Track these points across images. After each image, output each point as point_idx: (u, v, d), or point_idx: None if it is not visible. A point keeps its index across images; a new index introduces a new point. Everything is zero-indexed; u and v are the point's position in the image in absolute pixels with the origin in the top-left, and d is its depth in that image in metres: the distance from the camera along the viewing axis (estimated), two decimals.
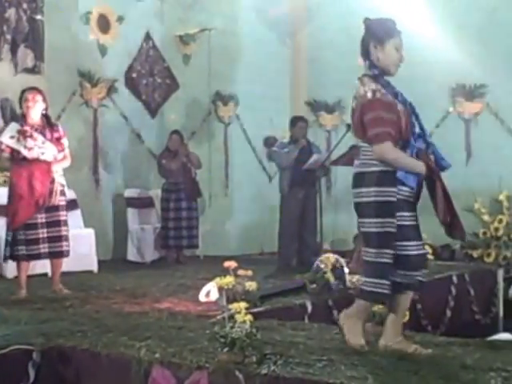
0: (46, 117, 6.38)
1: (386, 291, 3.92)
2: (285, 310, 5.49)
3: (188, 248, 9.65)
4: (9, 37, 8.88)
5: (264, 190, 11.23)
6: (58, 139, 6.33)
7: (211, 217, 10.72)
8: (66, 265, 6.64)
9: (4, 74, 8.74)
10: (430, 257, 7.38)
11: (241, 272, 5.69)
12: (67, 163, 6.45)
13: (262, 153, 11.54)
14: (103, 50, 9.92)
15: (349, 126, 8.62)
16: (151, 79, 10.48)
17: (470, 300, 7.74)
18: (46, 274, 7.83)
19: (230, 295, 5.07)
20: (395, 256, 3.90)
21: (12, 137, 6.15)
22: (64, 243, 6.29)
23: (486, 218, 10.05)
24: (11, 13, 8.90)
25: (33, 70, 9.09)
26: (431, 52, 10.31)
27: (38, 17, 9.16)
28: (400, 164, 3.94)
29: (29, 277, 6.63)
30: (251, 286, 5.41)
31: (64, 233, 6.29)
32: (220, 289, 5.22)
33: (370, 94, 4.08)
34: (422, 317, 6.72)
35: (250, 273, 5.83)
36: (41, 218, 6.17)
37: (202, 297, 5.64)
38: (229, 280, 4.58)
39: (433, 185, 4.00)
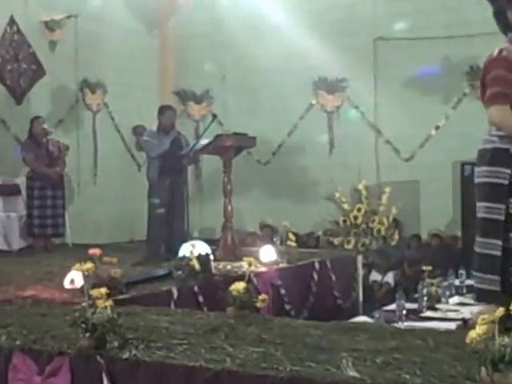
0: None
1: (495, 288, 3.50)
2: (151, 297, 5.52)
3: (53, 237, 9.52)
4: None
5: (133, 179, 11.23)
6: None
7: (80, 205, 10.62)
8: None
9: None
10: (293, 244, 7.68)
11: (106, 259, 5.75)
12: None
13: (130, 141, 11.53)
14: None
15: (214, 116, 8.83)
16: (16, 65, 10.23)
17: (332, 285, 7.97)
18: None
19: (95, 282, 5.11)
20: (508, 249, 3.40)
21: None
22: None
23: (346, 206, 10.43)
24: None
25: None
26: (296, 45, 10.60)
27: None
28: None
29: None
30: (116, 272, 5.48)
31: None
32: (85, 276, 5.25)
33: (495, 52, 3.78)
34: (285, 302, 6.91)
35: (115, 260, 5.91)
36: None
37: (66, 284, 5.62)
38: (89, 266, 4.60)
39: None
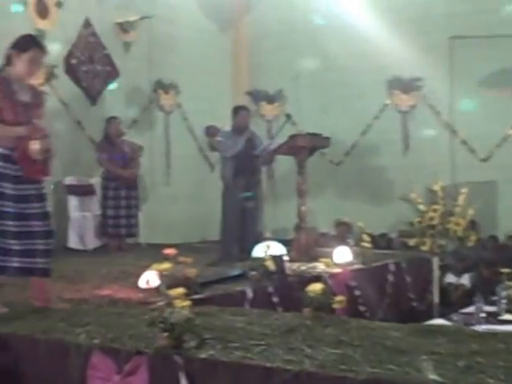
0: None
1: None
2: (225, 297, 5.52)
3: (127, 236, 9.61)
4: None
5: (205, 179, 11.27)
6: None
7: (153, 205, 10.70)
8: None
9: None
10: (368, 245, 7.59)
11: (181, 259, 5.75)
12: None
13: (203, 142, 11.58)
14: (41, 36, 9.76)
15: (288, 116, 8.78)
16: (91, 66, 10.37)
17: (407, 287, 7.86)
18: None
19: (171, 282, 5.12)
20: None
21: None
22: None
23: (421, 207, 10.26)
24: None
25: None
26: (370, 44, 10.47)
27: None
28: None
29: None
30: (191, 272, 5.48)
31: None
32: (160, 276, 5.26)
33: None
34: (359, 303, 6.83)
35: (190, 260, 5.89)
36: None
37: (142, 283, 5.64)
38: (166, 266, 4.61)
39: None
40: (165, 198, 11.06)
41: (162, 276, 5.24)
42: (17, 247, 4.66)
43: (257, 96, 11.75)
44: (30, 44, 4.78)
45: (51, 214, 4.92)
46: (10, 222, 4.65)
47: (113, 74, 10.63)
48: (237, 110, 8.46)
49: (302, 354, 3.53)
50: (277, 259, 6.28)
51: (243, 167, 8.05)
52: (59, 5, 9.93)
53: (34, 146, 4.64)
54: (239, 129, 8.27)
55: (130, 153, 9.56)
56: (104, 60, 10.55)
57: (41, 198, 4.81)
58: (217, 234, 8.56)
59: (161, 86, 11.22)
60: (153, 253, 7.76)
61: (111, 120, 9.54)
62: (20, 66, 4.73)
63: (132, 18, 10.73)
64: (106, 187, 9.41)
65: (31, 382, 4.02)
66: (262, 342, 3.78)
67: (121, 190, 9.37)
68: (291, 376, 3.27)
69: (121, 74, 10.70)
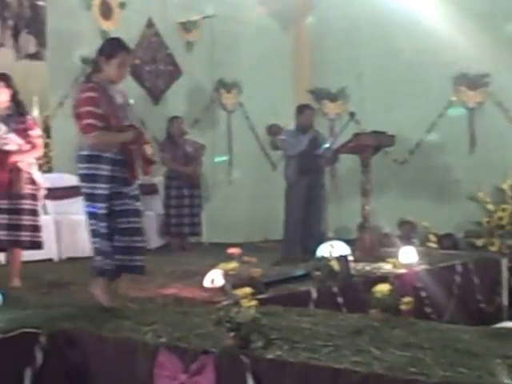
0: (16, 104, 6.09)
1: None
2: (290, 297, 5.49)
3: (190, 235, 9.66)
4: (11, 23, 8.86)
5: (267, 178, 11.24)
6: (25, 130, 6.02)
7: (215, 204, 10.71)
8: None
9: (6, 60, 8.72)
10: (434, 245, 7.46)
11: (246, 259, 5.74)
12: (36, 153, 6.15)
13: (265, 141, 11.55)
14: (105, 37, 9.83)
15: (352, 114, 8.70)
16: (154, 66, 10.46)
17: (474, 289, 7.71)
18: (50, 260, 7.94)
19: (236, 282, 5.11)
20: None
21: None
22: (24, 233, 5.98)
23: (489, 206, 10.06)
24: None
25: (35, 56, 9.07)
26: (434, 40, 10.30)
27: (40, 2, 9.13)
28: None
29: (33, 262, 6.65)
30: (256, 272, 5.46)
31: (26, 222, 5.97)
32: (225, 275, 5.26)
33: None
34: (426, 304, 6.72)
35: (254, 260, 5.88)
36: (1, 204, 5.90)
37: (207, 283, 5.64)
38: (233, 265, 4.61)
39: None
40: (227, 197, 11.06)
41: (226, 275, 5.24)
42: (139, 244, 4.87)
43: (319, 94, 11.65)
44: (117, 49, 4.83)
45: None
46: (135, 219, 4.83)
47: (175, 73, 10.70)
48: (301, 109, 8.42)
49: (370, 356, 3.49)
50: (341, 259, 6.23)
51: (306, 167, 7.99)
52: (122, 5, 10.03)
53: (148, 149, 4.77)
54: (303, 128, 8.22)
55: (192, 152, 9.60)
56: (167, 60, 10.63)
57: (139, 197, 4.95)
58: (279, 233, 8.53)
59: (223, 85, 11.23)
60: (215, 252, 7.80)
61: (174, 119, 9.59)
62: (109, 71, 4.78)
63: (194, 18, 10.78)
64: (169, 186, 9.47)
65: (98, 380, 4.05)
66: (329, 343, 3.75)
67: (183, 189, 9.42)
68: (359, 378, 3.22)
69: (183, 74, 10.76)
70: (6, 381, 3.89)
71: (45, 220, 8.13)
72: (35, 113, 8.93)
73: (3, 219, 5.91)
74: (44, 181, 6.32)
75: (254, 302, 3.70)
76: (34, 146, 6.10)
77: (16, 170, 5.96)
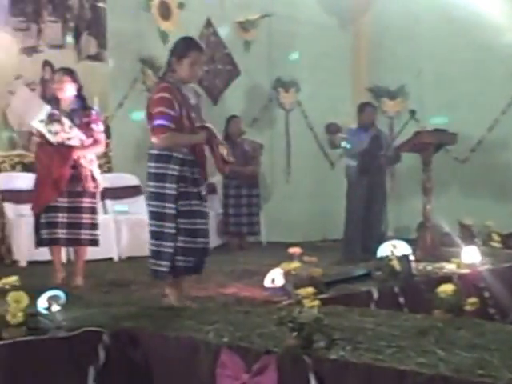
0: (80, 99, 6.15)
1: None
2: (350, 297, 5.44)
3: (248, 235, 9.67)
4: (72, 24, 8.99)
5: (326, 177, 11.18)
6: (88, 124, 6.06)
7: (274, 203, 10.70)
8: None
9: (67, 62, 8.81)
10: (498, 245, 7.31)
11: (306, 258, 5.71)
12: (98, 149, 6.20)
13: (323, 139, 11.49)
14: (164, 37, 9.91)
15: (413, 111, 8.59)
16: (212, 66, 10.48)
17: None
18: (111, 259, 8.02)
19: (296, 281, 5.09)
20: None
21: (41, 121, 5.99)
22: (84, 231, 6.02)
23: None
24: (74, 0, 9.01)
25: (96, 57, 9.19)
26: (496, 36, 10.11)
27: (101, 4, 9.25)
28: None
29: (93, 261, 6.72)
30: (316, 272, 5.42)
31: (85, 220, 6.00)
32: (286, 275, 5.23)
33: None
34: (489, 305, 6.59)
35: (314, 259, 5.85)
36: (62, 202, 5.93)
37: (267, 282, 5.62)
38: (295, 265, 4.58)
39: None
40: (285, 196, 11.03)
41: (287, 275, 5.22)
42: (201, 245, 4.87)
43: (378, 92, 11.52)
44: (188, 48, 4.80)
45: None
46: (200, 220, 4.83)
47: (234, 72, 10.71)
48: (362, 107, 8.38)
49: (435, 357, 3.43)
50: (403, 259, 6.15)
51: (368, 165, 7.94)
52: (181, 6, 10.07)
53: (224, 150, 4.76)
54: (365, 126, 8.18)
55: (250, 151, 9.60)
56: (225, 59, 10.65)
57: (206, 198, 4.97)
58: (337, 232, 8.49)
59: (281, 84, 11.20)
60: (274, 251, 7.78)
61: (232, 119, 9.59)
62: (182, 71, 4.76)
63: (252, 17, 10.77)
64: (228, 186, 9.49)
65: (160, 379, 4.07)
66: (393, 344, 3.69)
67: (242, 188, 9.43)
68: (425, 380, 3.18)
69: (241, 73, 10.77)
70: (71, 378, 3.94)
71: (105, 219, 8.27)
72: None
73: (63, 218, 5.95)
74: (102, 179, 6.34)
75: (316, 302, 3.66)
76: (96, 141, 6.12)
77: (79, 167, 6.01)
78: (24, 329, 3.87)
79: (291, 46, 11.10)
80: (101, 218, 8.20)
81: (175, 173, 4.69)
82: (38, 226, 6.01)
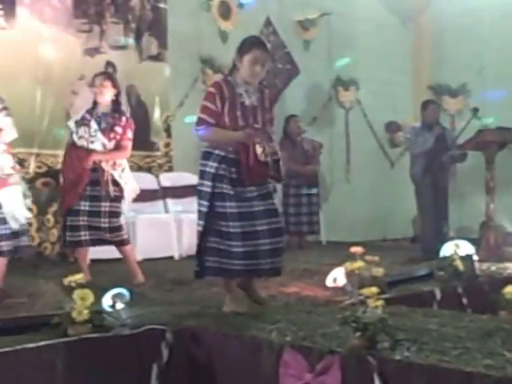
0: (115, 103, 6.20)
1: None
2: (413, 297, 5.38)
3: (308, 234, 9.65)
4: (133, 25, 9.08)
5: (386, 176, 11.10)
6: (116, 130, 6.09)
7: (333, 203, 10.66)
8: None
9: (129, 62, 8.94)
10: None
11: (368, 258, 5.65)
12: (121, 155, 6.17)
13: (383, 138, 11.41)
14: (224, 37, 9.97)
15: (476, 109, 8.46)
16: (272, 65, 10.47)
17: None
18: (171, 257, 8.09)
19: (358, 281, 5.04)
20: None
21: (76, 122, 6.12)
22: (103, 233, 6.06)
23: None
24: (136, 1, 9.11)
25: (157, 58, 9.27)
26: None
27: (162, 5, 9.33)
28: None
29: (154, 260, 6.76)
30: (378, 272, 5.36)
31: (104, 224, 6.03)
32: (348, 274, 5.20)
33: None
34: None
35: (377, 259, 5.78)
36: (84, 205, 5.99)
37: (329, 282, 5.59)
38: (359, 265, 4.54)
39: None
40: (344, 195, 10.98)
41: (349, 275, 5.18)
42: (240, 249, 4.60)
43: (439, 90, 11.38)
44: (250, 46, 4.73)
45: (278, 211, 4.85)
46: (236, 223, 4.61)
47: (293, 72, 10.70)
48: (426, 105, 8.27)
49: (503, 359, 3.35)
50: (466, 259, 6.06)
51: (433, 165, 7.84)
52: (241, 6, 10.11)
53: (257, 150, 4.67)
54: (429, 124, 8.06)
55: (310, 150, 9.57)
56: (284, 58, 10.65)
57: (263, 197, 4.75)
58: (397, 231, 8.43)
59: (340, 83, 11.16)
60: (333, 251, 7.75)
61: (291, 118, 9.57)
62: (243, 69, 4.71)
63: (312, 16, 10.75)
64: (287, 185, 9.46)
65: (223, 377, 4.07)
66: (459, 345, 3.62)
67: (302, 187, 9.42)
68: (492, 382, 3.11)
69: (301, 72, 10.74)
70: (134, 375, 3.97)
71: (165, 218, 8.35)
72: (157, 113, 9.15)
73: (84, 221, 6.03)
74: (134, 183, 6.35)
75: (380, 302, 3.61)
76: (120, 148, 6.14)
77: (99, 171, 6.06)
78: (89, 326, 3.91)
79: (351, 44, 11.03)
80: (162, 216, 8.41)
81: (212, 170, 4.61)
82: (64, 229, 6.13)
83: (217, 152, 4.64)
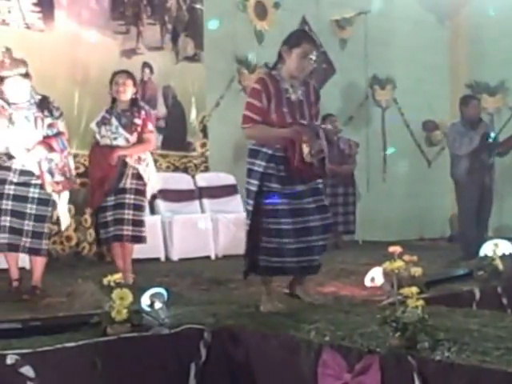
0: (134, 100, 6.22)
1: None
2: (452, 297, 5.33)
3: (344, 234, 9.61)
4: (170, 26, 9.13)
5: (422, 175, 11.02)
6: (138, 124, 6.10)
7: (369, 202, 10.60)
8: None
9: (166, 63, 8.99)
10: None
11: (406, 257, 5.60)
12: (146, 148, 6.19)
13: (420, 137, 11.33)
14: (260, 37, 9.97)
15: None
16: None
17: None
18: (208, 257, 8.11)
19: (397, 281, 4.99)
20: None
21: (97, 123, 6.18)
22: (126, 227, 6.02)
23: None
24: (172, 2, 9.15)
25: (193, 58, 9.31)
26: None
27: (198, 6, 9.36)
28: None
29: (191, 259, 6.76)
30: (417, 271, 5.31)
31: (127, 216, 6.01)
32: (386, 274, 5.14)
33: None
34: None
35: (415, 258, 5.73)
36: (110, 200, 6.02)
37: (367, 282, 5.55)
38: (399, 264, 4.48)
39: None
40: (381, 194, 10.92)
41: (387, 274, 5.13)
42: (293, 246, 4.60)
43: (477, 88, 11.25)
44: (300, 39, 4.64)
45: (327, 207, 4.85)
46: (288, 220, 4.58)
47: (329, 71, 10.67)
48: (466, 101, 7.99)
49: None
50: (506, 258, 5.99)
51: (478, 164, 7.65)
52: (277, 5, 10.10)
53: (304, 150, 4.58)
54: (471, 121, 7.80)
55: (346, 150, 9.53)
56: (321, 57, 10.57)
57: (313, 193, 4.73)
58: (434, 231, 8.35)
59: (377, 82, 11.11)
60: (370, 250, 7.69)
61: (327, 117, 9.52)
62: (291, 62, 4.60)
63: (348, 15, 10.72)
64: (323, 185, 9.40)
65: (261, 376, 4.06)
66: (501, 346, 3.57)
67: (338, 187, 9.38)
68: None
69: (337, 71, 10.71)
70: (173, 374, 3.98)
71: (202, 218, 8.36)
72: (193, 114, 9.18)
73: (110, 216, 6.05)
74: (157, 180, 6.39)
75: (420, 302, 3.58)
76: (144, 141, 6.16)
77: (124, 165, 6.08)
78: (128, 325, 3.93)
79: (387, 42, 10.99)
80: (197, 216, 8.44)
81: (260, 169, 4.54)
82: (96, 227, 6.19)
83: (264, 150, 4.58)
